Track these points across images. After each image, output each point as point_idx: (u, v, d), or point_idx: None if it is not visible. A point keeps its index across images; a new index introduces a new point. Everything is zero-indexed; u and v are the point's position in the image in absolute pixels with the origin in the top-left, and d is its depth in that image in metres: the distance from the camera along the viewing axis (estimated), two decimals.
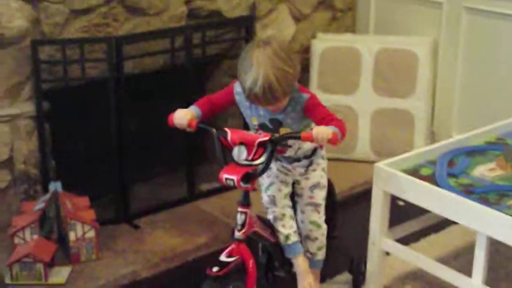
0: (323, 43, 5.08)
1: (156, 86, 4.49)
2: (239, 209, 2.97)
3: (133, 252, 3.92)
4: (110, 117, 4.03)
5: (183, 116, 3.04)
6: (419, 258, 3.36)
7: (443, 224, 4.12)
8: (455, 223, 4.13)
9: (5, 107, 3.87)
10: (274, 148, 2.85)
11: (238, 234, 2.97)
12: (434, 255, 3.49)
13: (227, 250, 2.95)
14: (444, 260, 3.35)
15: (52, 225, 3.89)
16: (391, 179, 3.29)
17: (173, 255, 3.90)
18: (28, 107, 3.93)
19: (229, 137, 2.91)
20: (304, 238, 3.34)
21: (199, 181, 4.58)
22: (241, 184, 2.82)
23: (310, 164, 3.24)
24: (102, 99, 4.03)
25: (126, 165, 4.16)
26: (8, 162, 3.92)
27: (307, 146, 3.16)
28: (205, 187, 4.60)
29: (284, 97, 2.89)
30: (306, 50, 5.17)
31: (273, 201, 3.25)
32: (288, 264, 3.31)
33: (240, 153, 2.87)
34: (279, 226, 3.25)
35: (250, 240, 3.08)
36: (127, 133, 4.11)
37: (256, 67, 2.81)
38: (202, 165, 4.64)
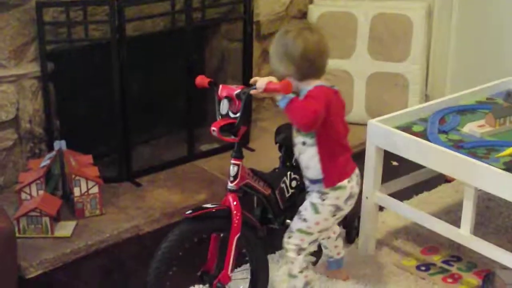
0: (320, 8, 5.18)
1: (157, 48, 4.58)
2: (232, 161, 3.03)
3: (135, 208, 4.05)
4: (113, 78, 4.12)
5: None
6: (410, 211, 3.49)
7: (435, 182, 4.26)
8: (446, 181, 4.29)
9: (11, 68, 3.97)
10: (247, 99, 2.89)
11: (230, 185, 3.03)
12: (425, 211, 3.60)
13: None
14: (435, 216, 3.45)
15: (57, 182, 4.01)
16: (384, 135, 3.40)
17: (174, 210, 4.02)
18: (33, 68, 4.03)
19: (219, 92, 3.00)
20: None
21: (199, 142, 4.70)
22: (222, 134, 2.91)
23: (308, 188, 3.08)
24: (105, 60, 4.13)
25: (129, 126, 4.27)
26: (14, 121, 4.03)
27: (307, 159, 2.98)
28: (204, 147, 4.72)
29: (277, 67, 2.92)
30: (303, 15, 5.26)
31: None
32: (282, 216, 3.36)
33: (223, 106, 2.95)
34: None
35: (246, 195, 3.16)
36: (130, 94, 4.21)
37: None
38: (202, 126, 4.73)
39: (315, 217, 2.99)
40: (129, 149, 4.32)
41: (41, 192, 3.82)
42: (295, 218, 3.05)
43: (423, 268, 3.54)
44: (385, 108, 4.83)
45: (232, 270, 3.05)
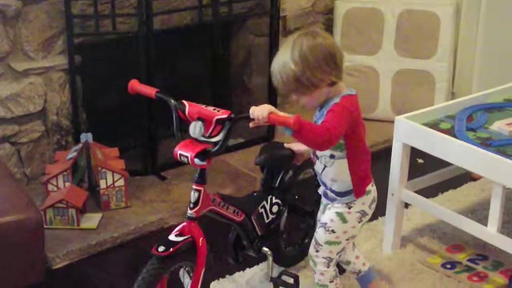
0: (346, 4, 5.16)
1: (183, 42, 4.59)
2: (193, 186, 2.80)
3: (161, 201, 4.06)
4: (140, 72, 4.13)
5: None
6: (437, 208, 3.48)
7: (461, 180, 4.24)
8: (472, 179, 4.27)
9: (39, 60, 4.00)
10: (231, 126, 2.68)
11: (190, 212, 2.80)
12: (451, 209, 3.58)
13: (176, 229, 2.82)
14: (461, 214, 3.44)
15: (83, 174, 4.03)
16: (410, 132, 3.39)
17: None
18: (61, 60, 4.06)
19: (186, 111, 2.78)
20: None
21: None
22: (195, 161, 2.67)
23: (333, 200, 2.95)
24: (132, 54, 4.15)
25: (155, 119, 4.28)
26: (41, 113, 4.06)
27: (337, 172, 2.85)
28: (230, 142, 4.70)
29: (284, 90, 2.75)
30: (329, 11, 5.26)
31: None
32: (258, 243, 3.19)
33: (196, 129, 2.71)
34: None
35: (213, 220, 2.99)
36: (156, 87, 4.20)
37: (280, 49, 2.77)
38: None
39: (343, 226, 2.91)
40: (155, 142, 4.33)
41: (67, 184, 3.85)
42: (320, 231, 2.94)
43: (448, 266, 3.53)
44: (411, 105, 4.82)
45: None
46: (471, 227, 3.30)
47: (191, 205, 2.81)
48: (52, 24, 3.99)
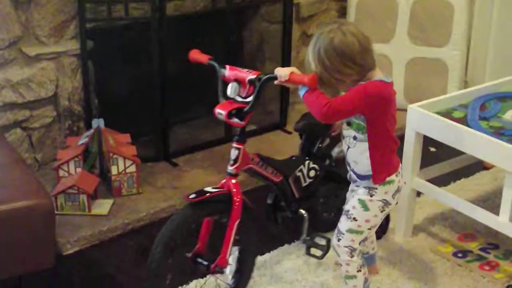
0: None
1: (196, 29, 4.57)
2: (234, 144, 2.98)
3: (172, 188, 4.06)
4: (152, 58, 4.13)
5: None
6: (449, 197, 3.46)
7: (473, 169, 4.23)
8: (484, 168, 4.25)
9: (50, 45, 3.99)
10: (261, 85, 2.86)
11: (230, 169, 2.98)
12: (463, 198, 3.57)
13: (219, 184, 3.00)
14: (473, 203, 3.42)
15: (94, 160, 4.03)
16: (423, 120, 3.37)
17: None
18: (73, 45, 4.05)
19: (226, 74, 2.96)
20: None
21: None
22: (233, 120, 2.88)
23: (354, 181, 2.98)
24: (145, 39, 4.13)
25: (167, 105, 4.27)
26: (53, 98, 4.06)
27: (358, 153, 2.86)
28: None
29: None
30: None
31: None
32: (295, 206, 3.32)
33: (232, 90, 2.91)
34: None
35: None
36: (168, 74, 4.21)
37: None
38: None
39: (365, 214, 2.90)
40: (167, 129, 4.33)
41: (79, 170, 3.85)
42: (342, 219, 2.95)
43: (460, 255, 3.52)
44: (424, 93, 4.80)
45: (230, 255, 3.00)
46: (483, 216, 3.28)
47: (232, 162, 2.99)
48: (64, 8, 3.98)
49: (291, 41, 4.78)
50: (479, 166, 4.23)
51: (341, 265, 3.00)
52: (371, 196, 2.89)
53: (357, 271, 2.98)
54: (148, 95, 4.24)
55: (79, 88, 4.12)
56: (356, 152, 2.86)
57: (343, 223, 2.94)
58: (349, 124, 2.84)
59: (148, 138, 4.42)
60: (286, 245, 3.61)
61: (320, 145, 3.44)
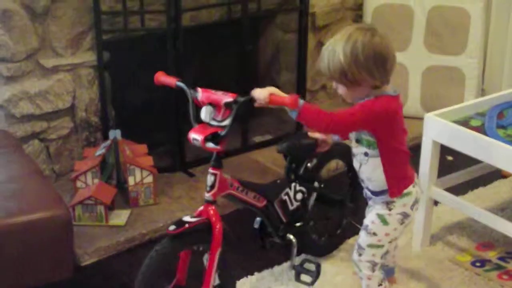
0: (376, 0, 5.13)
1: (212, 39, 4.58)
2: (210, 170, 2.88)
3: (189, 198, 4.07)
4: (168, 69, 4.12)
5: None
6: (467, 206, 3.45)
7: (491, 178, 4.21)
8: (502, 177, 4.24)
9: (67, 57, 4.01)
10: (239, 109, 2.77)
11: (207, 195, 2.88)
12: (481, 207, 3.56)
13: (196, 212, 2.91)
14: (491, 212, 3.41)
15: (111, 171, 4.04)
16: (441, 129, 3.36)
17: (227, 201, 3.98)
18: (89, 57, 4.07)
19: (199, 97, 2.86)
20: None
21: (252, 134, 4.71)
22: (208, 145, 2.78)
23: (370, 199, 2.97)
24: (161, 50, 4.14)
25: (183, 116, 4.26)
26: (70, 110, 4.08)
27: (371, 170, 2.84)
28: (258, 139, 4.72)
29: (327, 75, 2.73)
30: (359, 7, 5.23)
31: None
32: (282, 230, 3.24)
33: (207, 113, 2.79)
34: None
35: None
36: (185, 84, 4.20)
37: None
38: (256, 118, 4.75)
39: (384, 228, 2.89)
40: (183, 139, 4.33)
41: (96, 181, 3.86)
42: (362, 234, 2.93)
43: (478, 264, 3.50)
44: (441, 102, 4.78)
45: (212, 286, 2.93)
46: (501, 225, 3.26)
47: (208, 188, 2.88)
48: (80, 20, 3.99)
49: (306, 51, 4.78)
50: (497, 174, 4.21)
51: (362, 278, 2.98)
52: (390, 210, 2.87)
53: (378, 285, 2.97)
54: (164, 106, 4.25)
55: (96, 99, 4.13)
56: (369, 169, 2.84)
57: (363, 238, 2.92)
58: (358, 141, 2.82)
59: (164, 149, 4.43)
60: (275, 267, 3.52)
61: (307, 165, 3.34)
